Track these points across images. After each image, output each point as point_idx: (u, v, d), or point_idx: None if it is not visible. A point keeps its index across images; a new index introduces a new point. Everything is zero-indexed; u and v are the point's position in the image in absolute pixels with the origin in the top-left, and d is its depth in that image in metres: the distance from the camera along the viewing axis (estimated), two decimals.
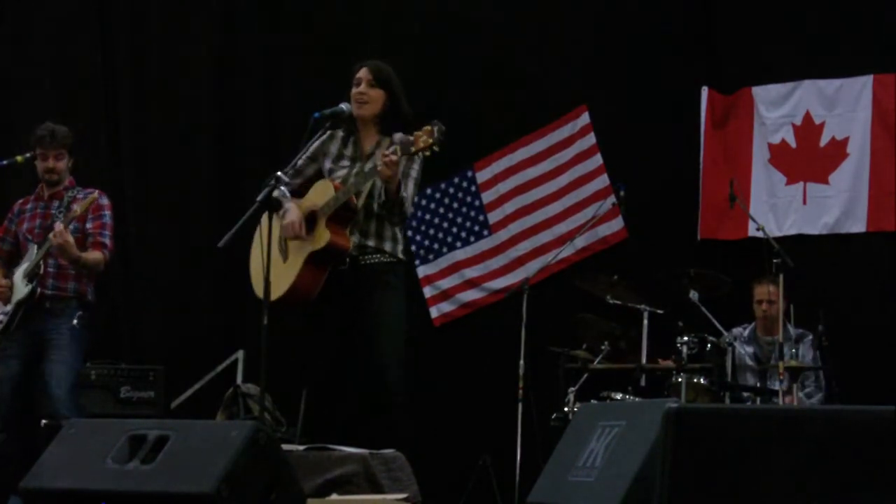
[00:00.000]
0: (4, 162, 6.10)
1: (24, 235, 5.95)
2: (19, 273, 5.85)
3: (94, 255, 5.83)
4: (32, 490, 3.73)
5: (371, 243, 5.18)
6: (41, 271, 5.77)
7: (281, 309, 5.05)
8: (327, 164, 5.30)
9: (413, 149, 4.86)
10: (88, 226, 5.84)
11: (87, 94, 8.30)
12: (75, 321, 5.80)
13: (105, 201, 5.95)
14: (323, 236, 5.09)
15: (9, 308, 5.82)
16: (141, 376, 7.15)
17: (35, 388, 5.97)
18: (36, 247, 5.84)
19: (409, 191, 5.12)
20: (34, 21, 8.38)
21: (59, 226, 5.64)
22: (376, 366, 5.10)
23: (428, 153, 4.89)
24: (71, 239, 5.67)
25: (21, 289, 5.80)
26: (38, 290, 5.76)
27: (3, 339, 5.84)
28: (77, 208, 5.71)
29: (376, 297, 5.15)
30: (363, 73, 5.25)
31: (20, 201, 6.09)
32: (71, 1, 8.45)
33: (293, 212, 5.14)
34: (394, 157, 4.87)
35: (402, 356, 5.16)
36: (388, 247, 5.21)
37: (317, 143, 5.22)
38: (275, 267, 5.02)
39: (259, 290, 5.00)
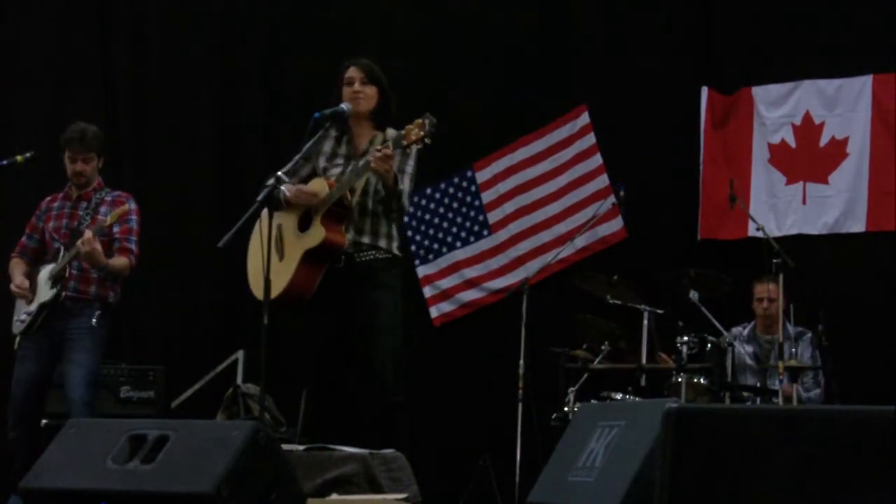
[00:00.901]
0: (4, 162, 6.09)
1: (49, 234, 5.93)
2: (45, 274, 5.84)
3: (120, 261, 5.83)
4: (32, 490, 3.73)
5: (366, 240, 5.18)
6: (66, 274, 5.78)
7: (278, 308, 5.05)
8: (321, 164, 5.30)
9: (405, 142, 4.88)
10: (116, 229, 5.83)
11: (87, 94, 8.29)
12: (94, 321, 5.80)
13: (133, 206, 5.94)
14: (318, 234, 5.08)
15: (32, 308, 5.81)
16: (141, 376, 7.14)
17: (51, 388, 5.97)
18: (63, 248, 5.83)
19: (405, 185, 5.13)
20: (34, 21, 8.38)
21: (88, 233, 5.63)
22: (373, 365, 5.10)
23: (420, 146, 4.91)
24: (99, 247, 5.67)
25: (46, 291, 5.80)
26: (63, 293, 5.77)
27: (23, 340, 5.84)
28: (108, 218, 5.70)
29: (372, 296, 5.15)
30: (354, 72, 5.26)
31: (48, 199, 6.07)
32: (71, 1, 8.45)
33: (289, 186, 5.13)
34: (387, 151, 4.89)
35: (399, 355, 5.16)
36: (382, 243, 5.21)
37: (311, 144, 5.22)
38: (273, 265, 5.03)
39: (257, 290, 5.01)
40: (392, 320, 5.17)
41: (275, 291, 5.04)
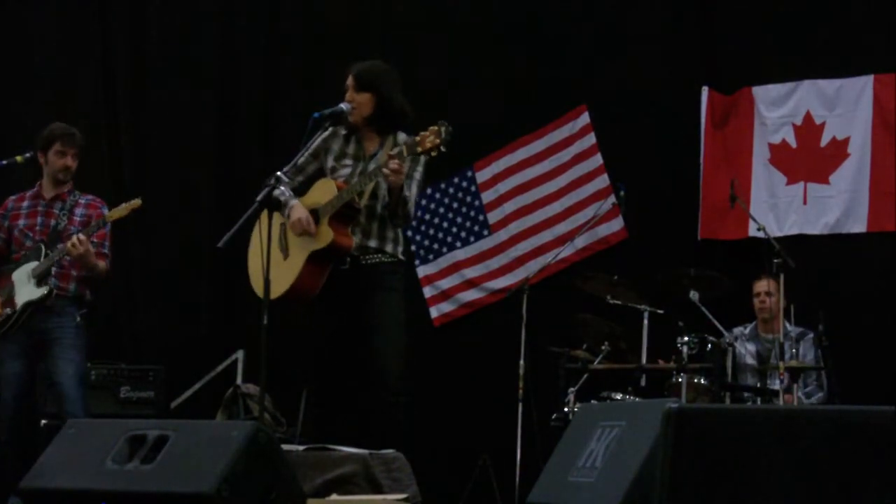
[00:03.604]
0: (4, 162, 6.09)
1: (20, 231, 5.93)
2: (23, 272, 5.83)
3: (101, 265, 5.86)
4: (32, 490, 3.73)
5: (373, 244, 5.18)
6: (52, 272, 5.79)
7: (281, 307, 5.06)
8: (329, 162, 5.29)
9: (419, 149, 4.85)
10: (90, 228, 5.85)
11: (88, 95, 8.31)
12: (78, 318, 5.82)
13: (107, 211, 5.97)
14: (326, 235, 5.08)
15: (15, 308, 5.80)
16: (141, 376, 7.15)
17: (40, 388, 5.98)
18: (43, 246, 5.83)
19: (412, 192, 5.12)
20: (35, 21, 8.38)
21: (81, 235, 5.65)
22: (378, 366, 5.11)
23: (434, 153, 4.87)
24: (91, 248, 5.70)
25: (30, 289, 5.78)
26: (54, 292, 5.77)
27: (2, 340, 5.83)
28: (108, 216, 5.72)
29: (377, 298, 5.15)
30: (349, 79, 5.22)
31: (13, 198, 6.07)
32: (71, 1, 8.45)
33: (298, 208, 5.14)
34: (402, 162, 4.87)
35: (403, 356, 5.16)
36: (389, 248, 5.21)
37: (318, 141, 5.21)
38: (275, 265, 5.02)
39: (258, 288, 5.00)
40: (397, 322, 5.18)
41: (278, 290, 5.06)
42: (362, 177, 5.10)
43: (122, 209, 5.75)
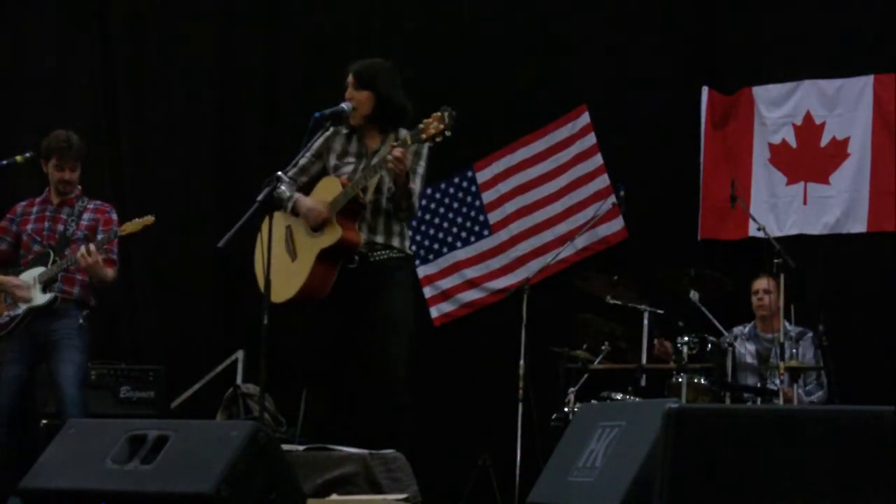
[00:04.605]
0: (4, 162, 6.09)
1: (28, 236, 5.94)
2: (28, 277, 5.83)
3: (110, 273, 5.87)
4: (32, 490, 3.73)
5: (380, 240, 5.18)
6: (58, 279, 5.80)
7: (290, 308, 5.06)
8: (332, 161, 5.29)
9: (423, 136, 4.85)
10: (100, 237, 5.86)
11: (88, 95, 8.30)
12: (81, 321, 5.82)
13: (115, 216, 5.98)
14: (335, 232, 5.07)
15: (18, 311, 5.80)
16: (141, 376, 7.14)
17: (39, 389, 5.98)
18: (52, 252, 5.84)
19: (416, 185, 5.12)
20: (35, 21, 8.38)
21: (91, 246, 5.67)
22: (383, 366, 5.10)
23: (440, 139, 4.86)
24: (101, 259, 5.70)
25: (36, 295, 5.79)
26: (59, 298, 5.77)
27: (2, 342, 5.83)
28: (120, 231, 5.74)
29: (385, 297, 5.14)
30: (348, 77, 5.23)
31: (24, 203, 6.08)
32: (71, 2, 8.45)
33: (304, 199, 5.14)
34: (405, 150, 4.87)
35: (409, 357, 5.16)
36: (396, 242, 5.21)
37: (321, 140, 5.22)
38: (284, 267, 5.04)
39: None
40: (406, 320, 5.18)
41: (290, 292, 5.07)
42: (366, 171, 5.10)
43: (136, 224, 5.76)
